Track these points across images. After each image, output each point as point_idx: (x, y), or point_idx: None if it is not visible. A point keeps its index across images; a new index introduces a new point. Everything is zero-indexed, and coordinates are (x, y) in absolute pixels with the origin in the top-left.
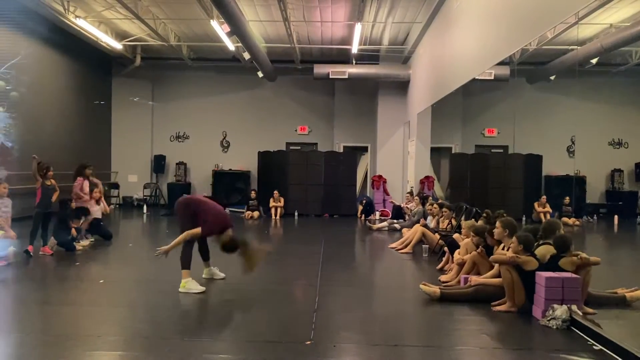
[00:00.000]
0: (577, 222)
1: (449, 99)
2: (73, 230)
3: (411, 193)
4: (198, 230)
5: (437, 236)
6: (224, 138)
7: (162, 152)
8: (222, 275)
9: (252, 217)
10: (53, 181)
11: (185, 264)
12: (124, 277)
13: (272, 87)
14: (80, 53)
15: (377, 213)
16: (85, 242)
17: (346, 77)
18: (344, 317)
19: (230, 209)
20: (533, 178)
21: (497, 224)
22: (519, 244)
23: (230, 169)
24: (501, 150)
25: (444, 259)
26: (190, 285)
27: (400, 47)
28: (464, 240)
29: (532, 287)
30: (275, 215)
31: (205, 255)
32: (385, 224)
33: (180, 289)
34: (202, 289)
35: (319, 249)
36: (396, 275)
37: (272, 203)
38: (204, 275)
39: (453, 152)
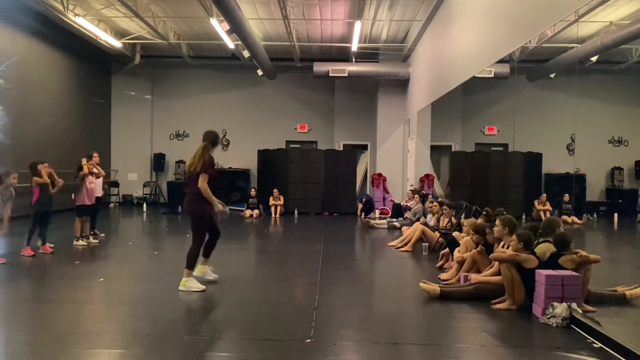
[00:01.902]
0: (580, 222)
1: (449, 97)
2: None
3: (413, 191)
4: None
5: (437, 234)
6: (224, 136)
7: (162, 151)
8: (215, 276)
9: (252, 216)
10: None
11: (191, 263)
12: (124, 275)
13: (271, 85)
14: (80, 51)
15: (377, 211)
16: (92, 240)
17: (346, 75)
18: (344, 315)
19: (231, 207)
20: (533, 176)
21: (497, 221)
22: (519, 242)
23: (230, 168)
24: (501, 148)
25: (444, 257)
26: (190, 283)
27: (400, 45)
28: (464, 238)
29: (532, 285)
30: (275, 214)
31: (208, 251)
32: (384, 221)
33: (180, 287)
34: (203, 287)
35: (319, 247)
36: (396, 274)
37: (271, 201)
38: (195, 273)
39: (453, 150)
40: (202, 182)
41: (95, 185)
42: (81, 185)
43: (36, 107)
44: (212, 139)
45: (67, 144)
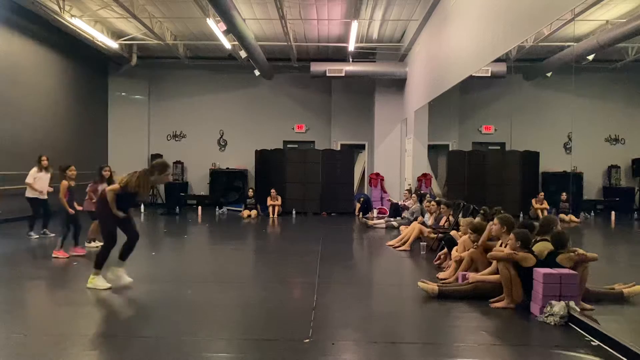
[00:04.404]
0: (577, 220)
1: (446, 96)
2: None
3: (410, 190)
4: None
5: (433, 234)
6: (221, 137)
7: (159, 151)
8: (129, 280)
9: (249, 216)
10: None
11: (98, 263)
12: None
13: (268, 86)
14: (76, 52)
15: (375, 211)
16: (94, 245)
17: (343, 75)
18: (343, 315)
19: (228, 207)
20: (530, 175)
21: (495, 220)
22: (516, 240)
23: (227, 168)
24: (498, 147)
25: (441, 254)
26: (97, 281)
27: (397, 45)
28: (462, 238)
29: (529, 284)
30: (273, 214)
31: (124, 255)
32: (382, 221)
33: (88, 285)
34: (109, 285)
35: (317, 247)
36: (394, 273)
37: (269, 202)
38: (109, 275)
39: (450, 149)
40: (111, 189)
41: (41, 183)
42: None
43: (32, 109)
44: (157, 168)
45: (64, 146)
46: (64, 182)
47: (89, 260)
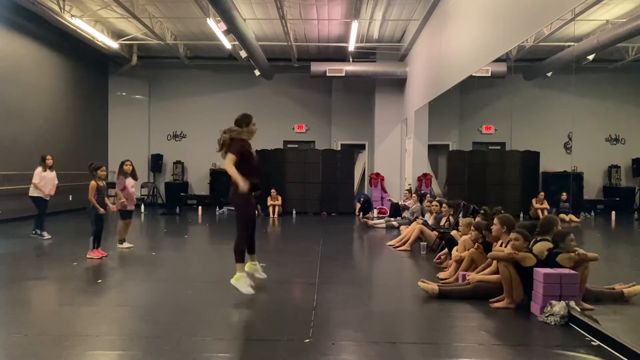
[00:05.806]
0: (577, 220)
1: (446, 96)
2: None
3: (410, 190)
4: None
5: (436, 233)
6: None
7: (159, 151)
8: (264, 275)
9: None
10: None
11: (238, 256)
12: (122, 277)
13: (269, 86)
14: (77, 52)
15: (375, 211)
16: (125, 245)
17: (343, 74)
18: (343, 315)
19: (229, 207)
20: (530, 175)
21: (495, 220)
22: (524, 240)
23: None
24: (498, 147)
25: (442, 254)
26: (241, 281)
27: (397, 45)
28: (462, 238)
29: (530, 284)
30: (273, 214)
31: (249, 247)
32: (382, 221)
33: (231, 281)
34: (251, 292)
35: (317, 247)
36: (394, 273)
37: (269, 202)
38: (246, 269)
39: (450, 149)
40: (227, 162)
41: (45, 182)
42: (120, 193)
43: (32, 109)
44: (243, 120)
45: (64, 145)
46: (93, 183)
47: (92, 261)
